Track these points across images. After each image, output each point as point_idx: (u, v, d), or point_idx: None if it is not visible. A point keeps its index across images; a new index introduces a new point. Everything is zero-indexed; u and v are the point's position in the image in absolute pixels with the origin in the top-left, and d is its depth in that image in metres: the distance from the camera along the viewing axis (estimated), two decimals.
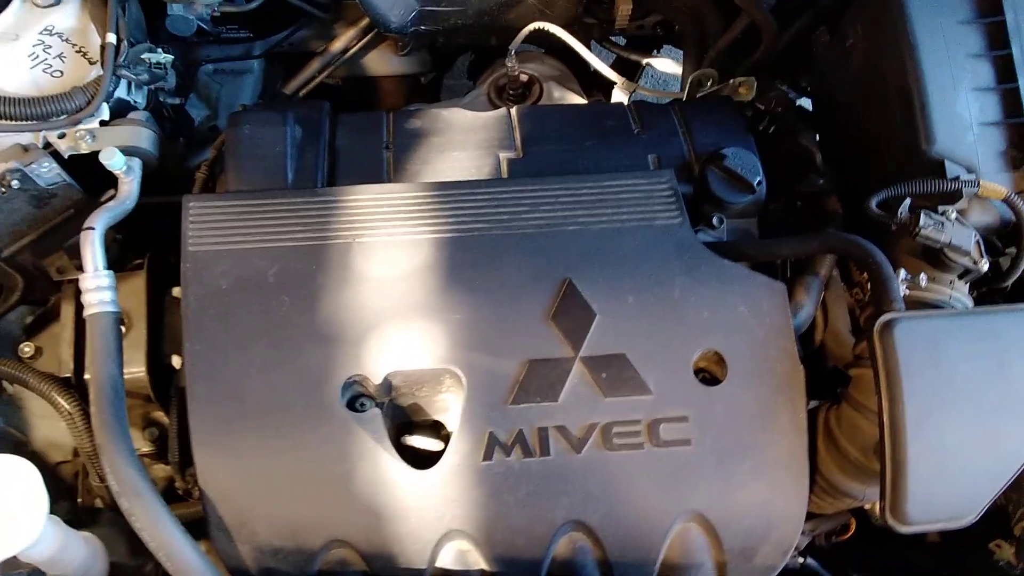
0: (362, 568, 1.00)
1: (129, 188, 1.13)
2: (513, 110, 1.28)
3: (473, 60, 1.97)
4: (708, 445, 1.02)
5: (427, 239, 1.08)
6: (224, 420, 1.00)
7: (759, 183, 1.15)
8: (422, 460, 1.02)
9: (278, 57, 1.69)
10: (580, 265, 1.07)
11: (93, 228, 1.06)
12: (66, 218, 1.17)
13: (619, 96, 1.53)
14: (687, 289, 1.06)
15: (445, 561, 1.00)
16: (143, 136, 1.16)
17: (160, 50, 1.23)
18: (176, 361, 1.20)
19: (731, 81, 1.35)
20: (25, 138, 1.13)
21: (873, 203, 1.10)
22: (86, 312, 1.03)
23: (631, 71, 1.82)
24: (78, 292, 1.12)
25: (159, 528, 0.91)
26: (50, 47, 1.15)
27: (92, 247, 1.05)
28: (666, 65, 1.67)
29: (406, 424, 1.08)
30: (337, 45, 1.65)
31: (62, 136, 1.14)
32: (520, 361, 1.03)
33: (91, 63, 1.17)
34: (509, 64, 1.51)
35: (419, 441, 1.05)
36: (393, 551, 0.99)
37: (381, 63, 1.74)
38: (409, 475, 1.00)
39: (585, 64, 1.57)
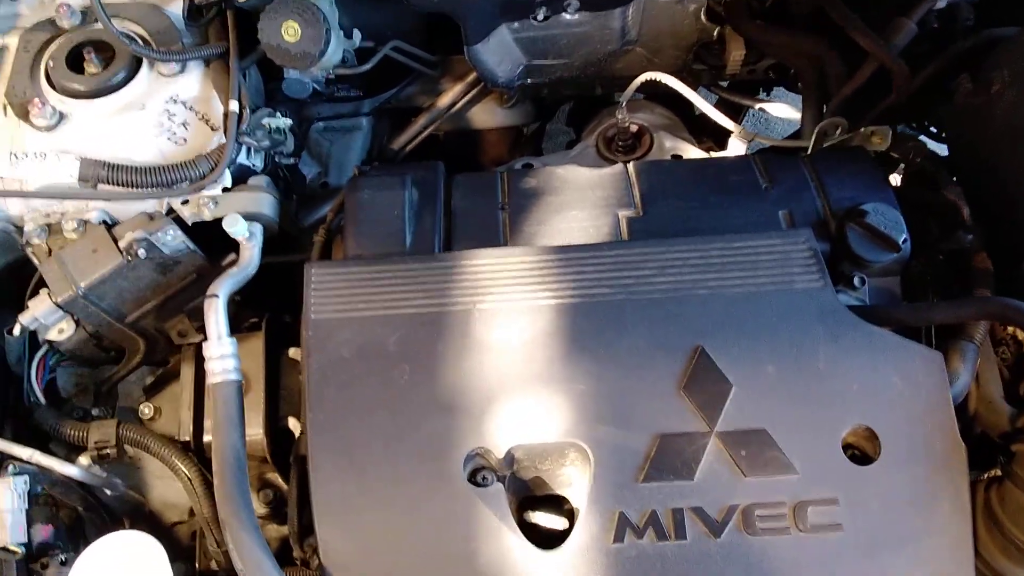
0: None
1: (251, 254, 1.13)
2: (630, 166, 1.23)
3: (572, 108, 1.95)
4: (861, 531, 0.93)
5: (549, 305, 1.03)
6: (347, 495, 0.97)
7: (904, 241, 1.07)
8: (546, 539, 0.97)
9: (386, 113, 1.70)
10: (713, 332, 1.01)
11: (217, 296, 1.06)
12: (189, 283, 1.18)
13: (736, 145, 1.47)
14: (833, 358, 0.98)
15: None
16: (264, 202, 1.17)
17: (279, 114, 1.24)
18: (293, 424, 1.19)
19: (862, 130, 1.27)
20: (150, 206, 1.15)
21: None
22: (210, 380, 1.03)
23: (735, 114, 1.76)
24: (199, 354, 1.13)
25: None
26: (174, 115, 1.17)
27: (216, 315, 1.05)
28: (780, 110, 1.60)
29: (528, 499, 1.03)
30: (444, 100, 1.64)
31: (185, 203, 1.15)
32: (650, 435, 0.97)
33: (213, 130, 1.18)
34: (620, 116, 1.47)
35: (543, 519, 1.00)
36: None
37: (485, 115, 1.73)
38: (535, 556, 0.95)
39: (693, 111, 1.52)
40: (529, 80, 1.57)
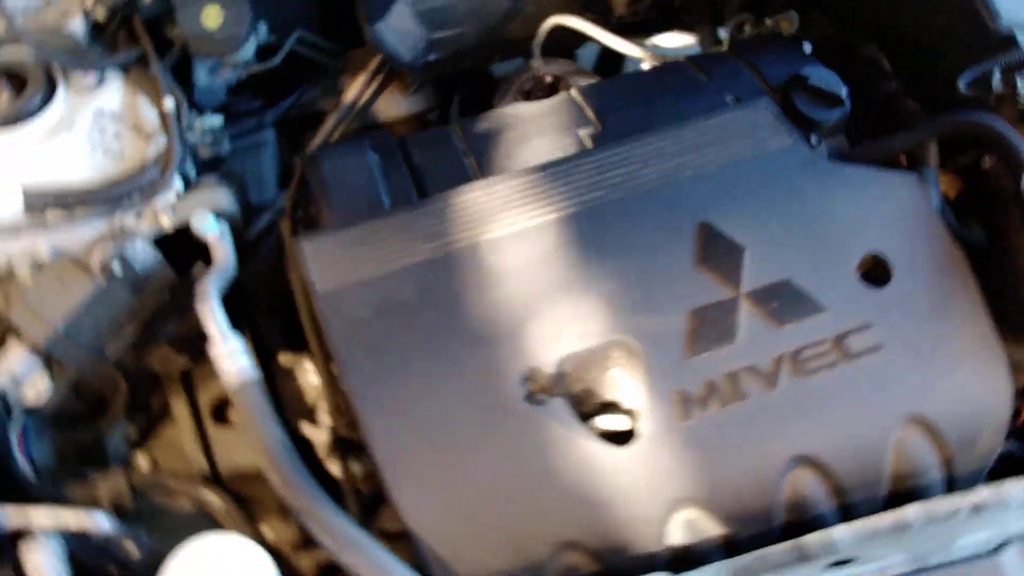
0: (592, 568, 0.92)
1: (226, 250, 1.07)
2: (573, 91, 1.26)
3: (462, 99, 1.96)
4: (900, 345, 0.98)
5: (550, 220, 1.04)
6: (413, 453, 0.93)
7: (846, 95, 1.15)
8: (616, 440, 0.96)
9: (287, 124, 1.65)
10: (710, 207, 1.04)
11: (209, 294, 0.99)
12: (162, 304, 1.10)
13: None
14: (826, 201, 1.04)
15: (676, 536, 0.93)
16: (224, 197, 1.11)
17: (208, 114, 1.19)
18: (308, 429, 1.12)
19: (767, 21, 1.36)
20: (100, 228, 1.07)
21: (962, 84, 1.11)
22: (228, 382, 0.96)
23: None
24: (187, 381, 1.06)
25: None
26: (104, 128, 1.09)
27: (214, 313, 0.99)
28: (675, 39, 1.68)
29: (583, 414, 1.02)
30: (348, 97, 1.61)
31: (139, 217, 1.07)
32: (685, 313, 0.99)
33: (148, 137, 1.11)
34: (536, 65, 1.50)
35: (607, 422, 0.99)
36: (620, 539, 0.93)
37: (391, 107, 1.70)
38: (615, 456, 0.94)
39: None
40: (432, 55, 1.57)
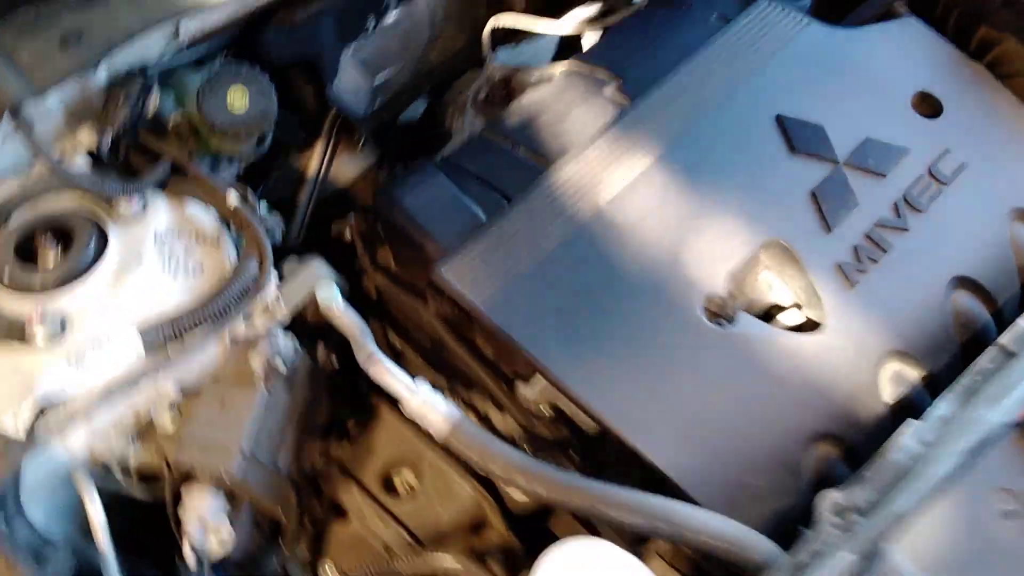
0: (839, 451, 0.97)
1: (352, 315, 1.02)
2: (566, 64, 1.29)
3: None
4: (980, 157, 1.10)
5: (652, 163, 1.07)
6: (639, 409, 0.94)
7: None
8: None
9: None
10: (775, 101, 1.12)
11: (375, 355, 0.95)
12: (310, 398, 1.03)
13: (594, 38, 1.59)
14: (862, 61, 1.15)
15: (889, 392, 1.00)
16: (322, 267, 1.06)
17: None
18: None
19: None
20: (213, 345, 0.99)
21: None
22: (439, 429, 0.92)
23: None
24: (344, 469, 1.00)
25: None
26: (172, 249, 1.01)
27: (392, 371, 0.95)
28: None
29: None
30: (311, 169, 1.57)
31: (248, 317, 1.01)
32: (805, 197, 1.06)
33: (216, 241, 1.04)
34: (491, 66, 1.52)
35: (787, 319, 1.04)
36: (850, 413, 0.98)
37: (346, 169, 1.67)
38: (815, 342, 1.00)
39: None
40: (377, 102, 1.56)
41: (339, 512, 1.08)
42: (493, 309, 0.97)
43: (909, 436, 0.88)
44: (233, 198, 1.03)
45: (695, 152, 1.08)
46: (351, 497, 1.07)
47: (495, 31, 1.53)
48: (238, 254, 1.04)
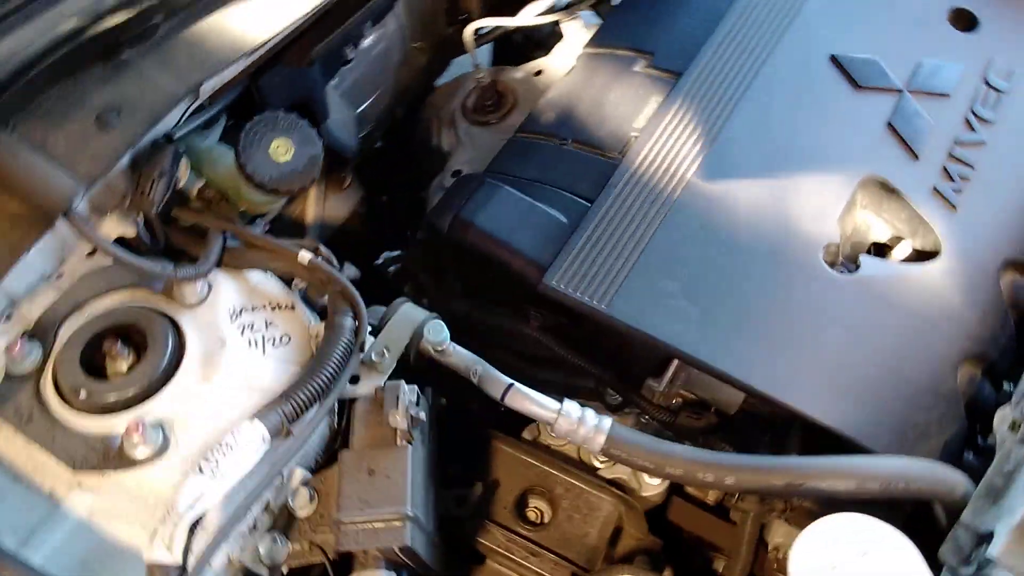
0: (982, 365, 0.95)
1: (471, 354, 0.95)
2: (585, 52, 1.25)
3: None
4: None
5: (724, 126, 1.04)
6: (786, 369, 0.91)
7: None
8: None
9: None
10: (819, 47, 1.11)
11: (512, 385, 0.88)
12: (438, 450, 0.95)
13: (574, 30, 1.55)
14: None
15: (1012, 298, 1.00)
16: (415, 309, 0.98)
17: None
18: None
19: None
20: (323, 417, 0.90)
21: None
22: (595, 440, 0.86)
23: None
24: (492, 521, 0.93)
25: None
26: (252, 325, 0.92)
27: (532, 397, 0.88)
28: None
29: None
30: (309, 217, 1.48)
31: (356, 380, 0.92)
32: (882, 129, 1.05)
33: (292, 305, 0.95)
34: (480, 75, 1.46)
35: (901, 252, 1.02)
36: (985, 330, 0.96)
37: (338, 209, 1.59)
38: (937, 269, 0.98)
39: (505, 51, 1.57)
40: (361, 134, 1.48)
41: (477, 558, 1.00)
42: (614, 307, 0.92)
43: None
44: (305, 256, 0.94)
45: (764, 108, 1.05)
46: (492, 538, 0.99)
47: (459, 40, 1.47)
48: (316, 312, 0.96)
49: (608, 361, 1.00)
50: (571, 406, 0.88)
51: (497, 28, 1.51)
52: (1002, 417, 0.86)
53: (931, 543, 0.78)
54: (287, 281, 0.98)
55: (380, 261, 1.27)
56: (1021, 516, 0.76)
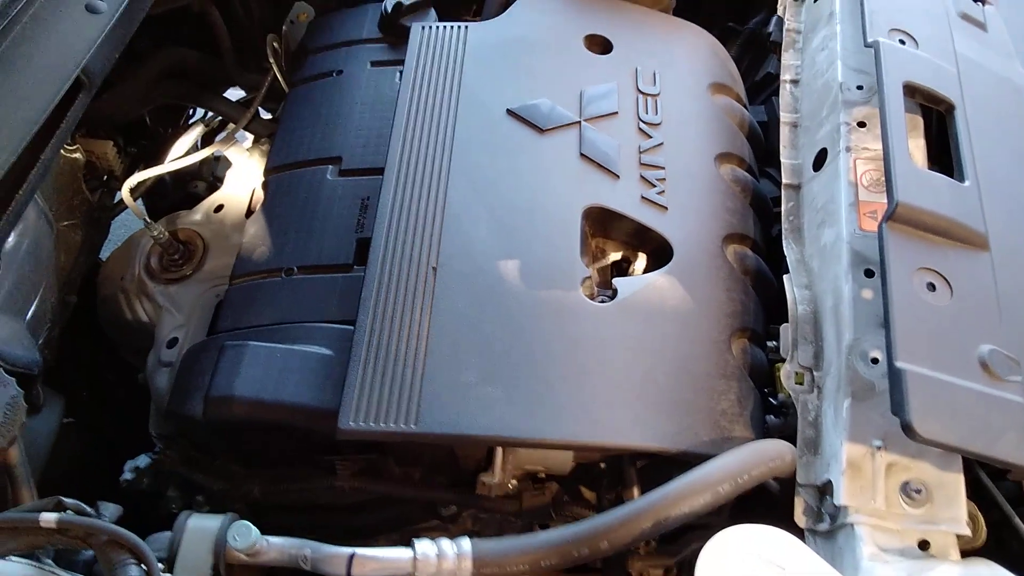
0: (747, 340, 1.03)
1: (289, 540, 0.83)
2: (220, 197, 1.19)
3: None
4: (659, 60, 1.24)
5: (437, 207, 1.03)
6: (596, 411, 0.92)
7: None
8: None
9: None
10: (493, 105, 1.14)
11: (352, 553, 0.79)
12: None
13: (247, 155, 1.47)
14: (527, 33, 1.24)
15: (739, 266, 1.09)
16: (207, 519, 0.84)
17: None
18: None
19: None
20: None
21: None
22: (469, 571, 0.79)
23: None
24: None
25: None
26: None
27: (374, 553, 0.80)
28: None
29: None
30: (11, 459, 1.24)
31: None
32: (577, 164, 1.11)
33: None
34: (155, 233, 1.33)
35: (640, 265, 1.07)
36: (741, 303, 1.05)
37: (41, 434, 1.35)
38: (679, 264, 1.04)
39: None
40: (40, 342, 1.26)
41: None
42: (424, 422, 0.86)
43: (791, 290, 0.97)
44: (49, 517, 0.76)
45: (471, 177, 1.06)
46: None
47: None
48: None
49: (433, 475, 0.93)
50: (423, 545, 0.81)
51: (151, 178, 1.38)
52: (787, 374, 0.94)
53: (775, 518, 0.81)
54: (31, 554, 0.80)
55: (127, 476, 1.08)
56: (845, 457, 0.82)
